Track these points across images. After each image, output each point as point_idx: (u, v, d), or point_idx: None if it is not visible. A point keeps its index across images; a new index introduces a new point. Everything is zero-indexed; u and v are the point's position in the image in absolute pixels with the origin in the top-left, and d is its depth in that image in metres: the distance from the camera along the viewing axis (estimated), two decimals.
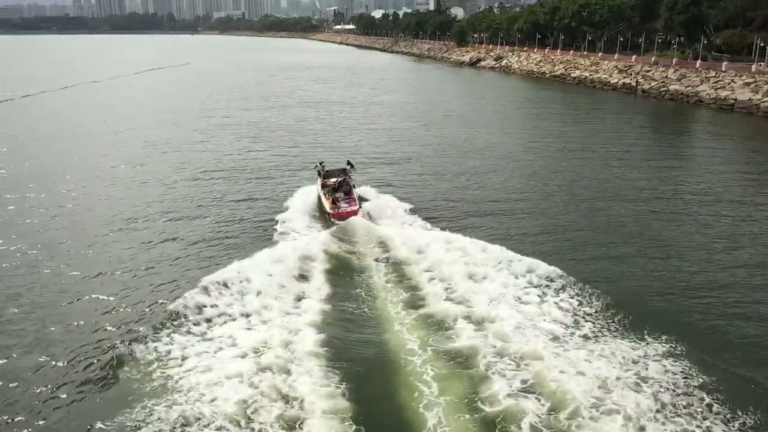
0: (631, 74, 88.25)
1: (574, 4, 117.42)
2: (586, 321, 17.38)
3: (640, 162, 42.10)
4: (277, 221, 26.58)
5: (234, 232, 26.05)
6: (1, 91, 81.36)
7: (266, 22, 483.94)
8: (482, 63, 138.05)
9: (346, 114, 65.73)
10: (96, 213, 29.19)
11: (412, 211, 28.16)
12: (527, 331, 16.24)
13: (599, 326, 17.08)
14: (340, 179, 29.03)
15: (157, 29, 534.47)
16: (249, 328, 16.70)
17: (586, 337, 16.49)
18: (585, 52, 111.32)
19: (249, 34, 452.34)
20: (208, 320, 17.15)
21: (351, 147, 46.52)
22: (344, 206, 26.36)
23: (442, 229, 25.14)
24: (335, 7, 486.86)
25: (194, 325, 16.83)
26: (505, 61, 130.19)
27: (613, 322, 17.38)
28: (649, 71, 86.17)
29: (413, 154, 44.49)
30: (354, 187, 28.79)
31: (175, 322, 16.92)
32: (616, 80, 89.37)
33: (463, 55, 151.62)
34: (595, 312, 17.89)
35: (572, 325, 17.12)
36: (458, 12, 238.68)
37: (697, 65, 79.16)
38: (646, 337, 16.42)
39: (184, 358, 15.27)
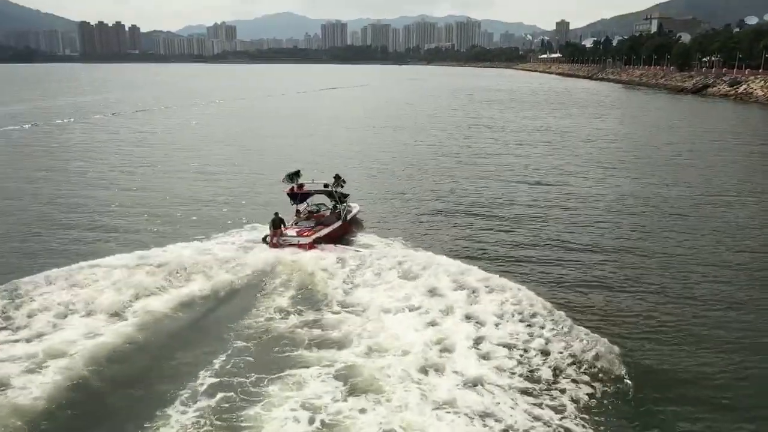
0: None
1: None
2: None
3: None
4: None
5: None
6: (240, 95, 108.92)
7: (472, 52, 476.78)
8: (711, 89, 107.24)
9: (477, 138, 50.76)
10: None
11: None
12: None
13: None
14: (321, 208, 24.61)
15: (371, 60, 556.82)
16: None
17: None
18: None
19: (454, 64, 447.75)
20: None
21: (431, 179, 34.00)
22: (289, 238, 21.57)
23: None
24: (546, 38, 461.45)
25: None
26: (743, 86, 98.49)
27: None
28: None
29: (520, 201, 28.37)
30: (344, 217, 23.78)
31: None
32: None
33: (684, 81, 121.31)
34: None
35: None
36: (685, 37, 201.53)
37: None
38: None
39: None
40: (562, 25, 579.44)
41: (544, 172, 35.33)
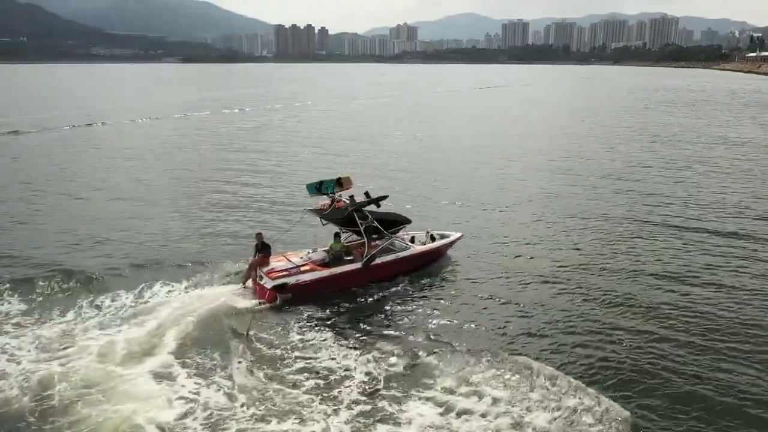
0: None
1: None
2: None
3: None
4: None
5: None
6: (386, 93, 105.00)
7: (664, 51, 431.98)
8: None
9: (635, 151, 40.67)
10: None
11: None
12: None
13: None
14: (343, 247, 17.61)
15: (552, 60, 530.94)
16: None
17: None
18: None
19: (643, 64, 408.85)
20: None
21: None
22: (264, 275, 15.93)
23: None
24: (758, 34, 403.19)
25: None
26: None
27: None
28: None
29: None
30: (367, 259, 16.68)
31: None
32: None
33: None
34: None
35: None
36: None
37: None
38: None
39: None
40: None
41: (718, 212, 24.33)
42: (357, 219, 16.97)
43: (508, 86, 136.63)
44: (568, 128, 52.22)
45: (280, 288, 15.40)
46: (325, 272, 16.23)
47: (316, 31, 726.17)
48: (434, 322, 14.48)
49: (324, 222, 17.92)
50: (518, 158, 37.33)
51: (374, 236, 17.56)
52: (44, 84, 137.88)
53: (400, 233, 18.82)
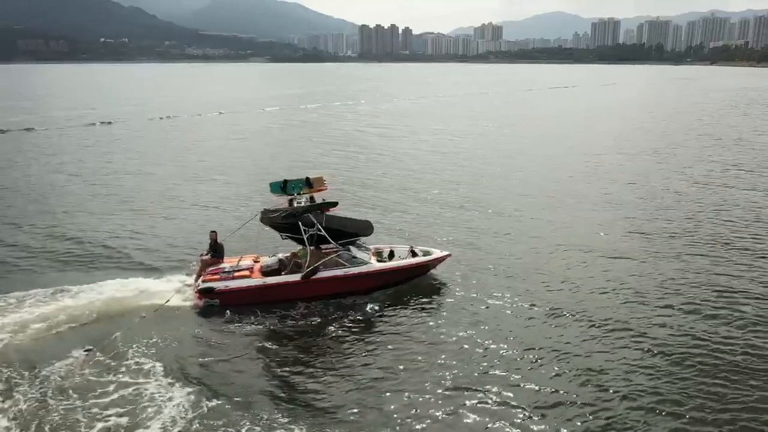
0: None
1: None
2: None
3: None
4: None
5: None
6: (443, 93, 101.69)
7: (766, 50, 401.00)
8: None
9: (697, 160, 38.54)
10: None
11: None
12: None
13: None
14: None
15: (643, 60, 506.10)
16: None
17: None
18: None
19: (743, 64, 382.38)
20: None
21: None
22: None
23: None
24: None
25: None
26: None
27: None
28: None
29: None
30: (308, 270, 15.20)
31: None
32: None
33: None
34: None
35: None
36: None
37: None
38: None
39: None
40: None
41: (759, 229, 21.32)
42: (300, 226, 15.39)
43: (582, 86, 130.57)
44: (636, 130, 48.61)
45: (205, 292, 14.55)
46: (258, 281, 14.99)
47: (400, 31, 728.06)
48: (335, 362, 12.39)
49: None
50: (566, 170, 33.83)
51: (347, 247, 16.11)
52: (108, 83, 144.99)
53: (379, 246, 17.30)
